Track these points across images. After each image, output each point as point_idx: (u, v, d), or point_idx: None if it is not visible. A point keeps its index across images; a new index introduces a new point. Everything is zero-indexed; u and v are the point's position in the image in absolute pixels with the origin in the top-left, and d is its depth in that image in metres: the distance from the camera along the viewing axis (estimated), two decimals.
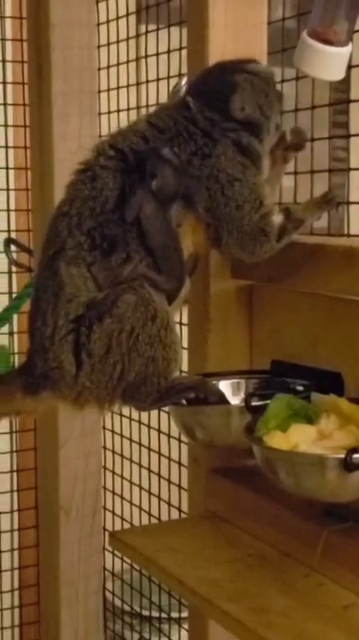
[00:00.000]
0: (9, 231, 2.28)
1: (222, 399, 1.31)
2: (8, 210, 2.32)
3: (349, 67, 1.26)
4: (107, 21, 2.01)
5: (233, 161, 1.28)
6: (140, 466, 2.06)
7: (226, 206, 1.27)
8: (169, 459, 1.94)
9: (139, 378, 1.25)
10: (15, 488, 2.45)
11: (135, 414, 2.03)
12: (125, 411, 2.05)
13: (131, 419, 2.05)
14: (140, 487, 2.06)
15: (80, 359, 1.24)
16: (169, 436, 1.91)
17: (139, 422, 2.02)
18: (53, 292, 1.26)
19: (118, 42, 2.01)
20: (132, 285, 1.23)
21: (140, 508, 2.07)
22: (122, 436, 2.10)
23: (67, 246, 1.25)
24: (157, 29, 1.88)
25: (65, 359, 1.25)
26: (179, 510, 1.86)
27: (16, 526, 2.47)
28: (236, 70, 1.31)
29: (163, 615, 2.20)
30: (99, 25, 1.97)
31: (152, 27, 1.93)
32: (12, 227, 2.33)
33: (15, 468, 2.44)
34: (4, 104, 2.31)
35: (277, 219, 1.29)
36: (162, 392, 1.26)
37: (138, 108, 2.04)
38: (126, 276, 1.24)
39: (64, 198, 1.30)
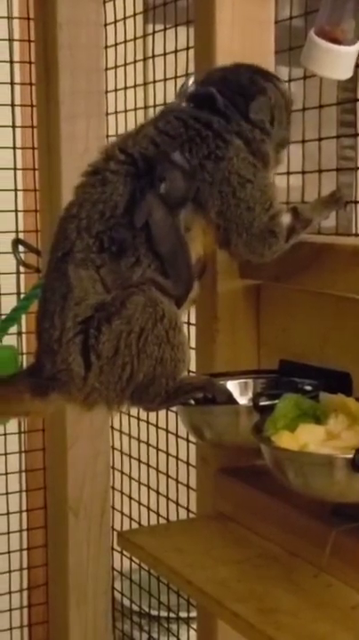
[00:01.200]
0: (17, 232, 2.28)
1: (230, 399, 1.31)
2: (16, 210, 2.32)
3: (357, 65, 1.26)
4: (115, 21, 2.01)
5: (244, 162, 1.28)
6: (149, 466, 2.06)
7: (237, 208, 1.27)
8: (177, 459, 1.94)
9: (148, 379, 1.25)
10: (24, 488, 2.45)
11: (143, 414, 2.03)
12: (133, 411, 2.05)
13: (139, 419, 2.05)
14: (149, 487, 2.06)
15: (89, 361, 1.24)
16: (177, 435, 1.91)
17: (148, 422, 2.02)
18: (61, 294, 1.25)
19: (125, 42, 2.01)
20: (141, 288, 1.23)
21: (149, 508, 2.07)
22: (130, 436, 2.10)
23: (76, 249, 1.25)
24: (164, 29, 1.88)
25: (73, 361, 1.25)
26: (188, 510, 1.86)
27: (25, 526, 2.47)
28: (268, 78, 1.32)
29: (172, 615, 2.20)
30: (106, 25, 1.97)
31: (159, 26, 1.93)
32: (20, 227, 2.33)
33: (24, 469, 2.44)
34: (12, 105, 2.31)
35: (286, 219, 1.29)
36: (170, 392, 1.26)
37: (145, 107, 2.04)
38: (135, 280, 1.24)
39: (73, 200, 1.29)
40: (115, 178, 1.26)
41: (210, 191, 1.26)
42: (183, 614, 2.14)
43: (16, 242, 2.13)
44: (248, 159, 1.28)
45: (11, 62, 2.31)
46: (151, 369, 1.24)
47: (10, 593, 2.40)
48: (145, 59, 2.04)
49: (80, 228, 1.26)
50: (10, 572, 2.39)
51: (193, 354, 1.46)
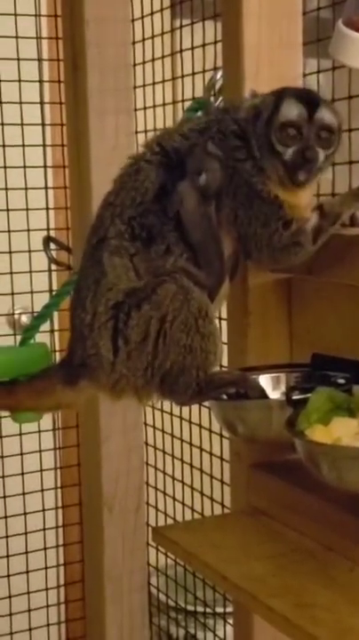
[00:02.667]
0: (48, 229, 2.29)
1: (263, 394, 1.31)
2: (47, 208, 2.33)
3: None
4: (142, 17, 2.01)
5: (258, 173, 1.26)
6: (182, 461, 2.06)
7: (249, 224, 1.27)
8: (210, 454, 1.94)
9: (177, 368, 1.24)
10: (59, 485, 2.47)
11: (176, 410, 2.03)
12: (166, 406, 2.06)
13: (172, 414, 2.05)
14: (183, 482, 2.06)
15: (117, 345, 1.25)
16: (210, 431, 1.91)
17: (181, 418, 2.02)
18: (95, 280, 1.27)
19: (153, 37, 2.01)
20: (173, 276, 1.23)
21: (183, 504, 2.07)
22: (163, 431, 2.10)
23: (110, 235, 1.27)
24: (192, 23, 1.88)
25: (103, 346, 1.26)
26: (222, 505, 1.86)
27: (61, 523, 2.48)
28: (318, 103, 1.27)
29: (208, 610, 2.20)
30: (133, 21, 1.97)
31: (186, 21, 1.92)
32: (51, 225, 2.34)
33: (59, 465, 2.45)
34: (41, 102, 2.32)
35: (311, 221, 1.27)
36: (201, 386, 1.26)
37: (174, 102, 2.04)
38: (167, 269, 1.24)
39: (111, 189, 1.32)
40: (148, 166, 1.28)
41: (226, 194, 1.27)
42: (219, 609, 2.14)
43: (47, 239, 2.14)
44: (279, 172, 1.26)
45: (40, 60, 2.31)
46: (180, 357, 1.24)
47: (47, 589, 2.41)
48: (173, 53, 2.04)
49: (114, 214, 1.27)
50: (46, 568, 2.41)
51: (225, 348, 1.45)
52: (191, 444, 2.02)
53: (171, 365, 1.25)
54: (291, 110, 1.23)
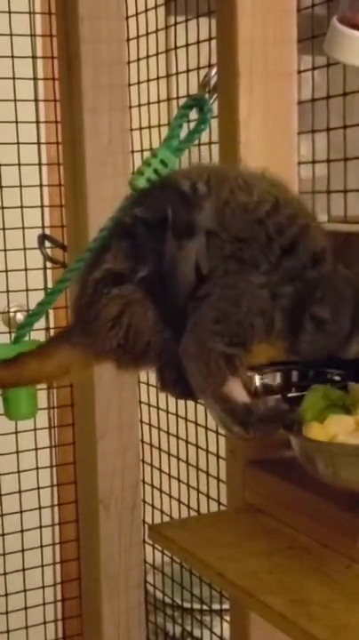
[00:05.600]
0: (43, 227, 2.28)
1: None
2: (42, 206, 2.33)
3: None
4: (136, 14, 2.00)
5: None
6: (178, 459, 2.06)
7: None
8: (207, 451, 1.94)
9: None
10: (55, 483, 2.47)
11: (172, 407, 2.03)
12: (162, 404, 2.06)
13: (168, 412, 2.05)
14: (179, 480, 2.06)
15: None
16: (206, 428, 1.91)
17: (177, 415, 2.02)
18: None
19: (147, 34, 2.01)
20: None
21: (179, 501, 2.07)
22: (159, 429, 2.10)
23: None
24: (186, 20, 1.88)
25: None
26: (219, 503, 1.86)
27: (57, 520, 2.48)
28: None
29: (205, 607, 2.20)
30: (127, 18, 1.97)
31: (181, 18, 1.92)
32: (46, 223, 2.34)
33: (55, 463, 2.45)
34: (36, 100, 2.31)
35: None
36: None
37: (168, 100, 2.04)
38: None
39: None
40: None
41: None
42: (216, 606, 2.15)
43: (42, 237, 2.14)
44: None
45: (34, 58, 2.31)
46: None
47: (43, 587, 2.41)
48: (167, 51, 2.03)
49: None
50: (42, 566, 2.41)
51: None
52: (187, 442, 2.01)
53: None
54: None
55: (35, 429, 2.33)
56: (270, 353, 1.20)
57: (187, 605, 2.27)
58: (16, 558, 2.35)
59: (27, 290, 2.29)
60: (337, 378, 1.27)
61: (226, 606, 1.97)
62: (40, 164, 2.32)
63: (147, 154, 1.62)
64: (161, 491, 2.12)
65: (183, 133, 1.58)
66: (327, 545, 1.24)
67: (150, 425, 2.11)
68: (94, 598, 2.05)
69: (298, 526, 1.30)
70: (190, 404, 1.91)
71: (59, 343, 1.34)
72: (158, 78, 2.00)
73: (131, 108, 1.98)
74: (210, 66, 1.64)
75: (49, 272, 2.32)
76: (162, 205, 1.21)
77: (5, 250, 2.29)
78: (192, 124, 1.57)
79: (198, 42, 1.81)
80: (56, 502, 2.48)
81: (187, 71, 1.88)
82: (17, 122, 2.25)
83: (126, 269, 1.22)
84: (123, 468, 1.99)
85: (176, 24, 1.95)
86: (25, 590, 2.37)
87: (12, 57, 2.22)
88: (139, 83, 2.02)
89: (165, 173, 1.54)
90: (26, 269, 2.28)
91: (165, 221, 1.20)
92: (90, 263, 1.28)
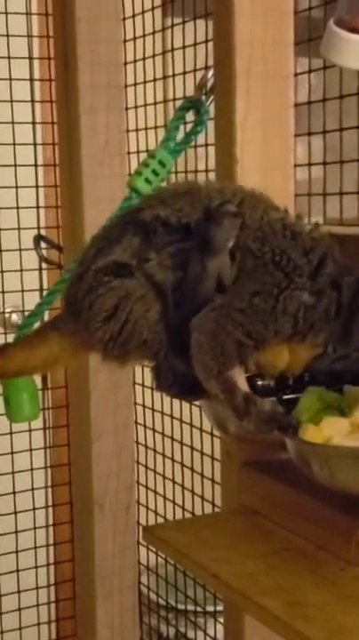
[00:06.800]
0: (38, 228, 2.28)
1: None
2: (38, 207, 2.32)
3: None
4: (133, 15, 2.00)
5: None
6: (173, 460, 2.06)
7: None
8: (201, 453, 1.94)
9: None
10: (49, 484, 2.46)
11: (167, 409, 2.03)
12: (157, 405, 2.06)
13: (163, 413, 2.05)
14: (174, 481, 2.06)
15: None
16: (201, 429, 1.91)
17: (171, 416, 2.02)
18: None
19: (144, 35, 2.01)
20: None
21: (174, 503, 2.07)
22: (154, 430, 2.10)
23: None
24: (183, 22, 1.88)
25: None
26: (213, 504, 1.86)
27: (51, 522, 2.48)
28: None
29: (199, 609, 2.20)
30: (124, 19, 1.97)
31: (178, 19, 1.92)
32: (42, 224, 2.34)
33: (49, 464, 2.45)
34: (32, 101, 2.31)
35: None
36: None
37: (165, 101, 2.04)
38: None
39: None
40: None
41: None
42: (210, 608, 2.15)
43: (38, 238, 2.14)
44: None
45: (31, 58, 2.31)
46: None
47: (37, 589, 2.41)
48: (164, 52, 2.03)
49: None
50: (36, 567, 2.40)
51: None
52: (182, 443, 2.01)
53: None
54: None
55: (29, 430, 2.32)
56: (283, 358, 1.20)
57: (181, 607, 2.27)
58: (10, 559, 2.35)
59: (22, 291, 2.29)
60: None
61: (220, 608, 1.97)
62: (36, 165, 2.32)
63: (143, 155, 1.62)
64: (156, 492, 2.12)
65: (180, 135, 1.58)
66: (323, 547, 1.24)
67: (145, 426, 2.11)
68: (88, 599, 2.05)
69: (293, 528, 1.30)
70: (186, 406, 1.91)
71: (46, 332, 1.31)
72: (155, 80, 2.01)
73: (127, 109, 1.98)
74: (206, 68, 1.64)
75: (44, 273, 2.32)
76: (188, 213, 1.20)
77: (1, 250, 2.28)
78: (189, 126, 1.58)
79: (195, 44, 1.81)
80: (50, 503, 2.48)
81: (184, 73, 1.88)
82: (13, 123, 2.25)
83: (133, 264, 1.21)
84: (118, 469, 1.99)
85: (173, 26, 1.96)
86: (19, 591, 2.36)
87: (9, 58, 2.22)
88: (135, 84, 2.02)
89: (163, 174, 1.54)
90: (21, 270, 2.28)
91: (187, 229, 1.19)
92: (94, 252, 1.24)
